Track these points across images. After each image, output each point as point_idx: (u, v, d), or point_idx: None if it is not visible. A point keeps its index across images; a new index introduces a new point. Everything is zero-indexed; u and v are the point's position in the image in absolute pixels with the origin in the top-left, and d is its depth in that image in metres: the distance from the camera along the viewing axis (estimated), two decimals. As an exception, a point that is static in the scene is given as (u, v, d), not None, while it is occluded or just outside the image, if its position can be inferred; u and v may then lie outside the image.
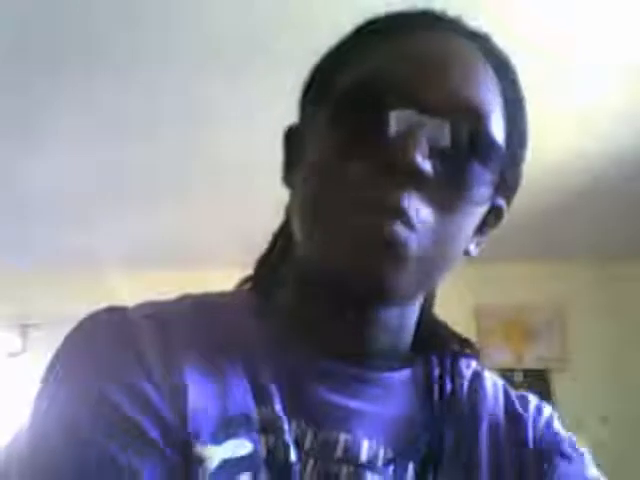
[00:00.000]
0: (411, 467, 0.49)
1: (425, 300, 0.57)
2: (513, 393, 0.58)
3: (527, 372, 3.21)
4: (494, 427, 0.53)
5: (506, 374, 2.98)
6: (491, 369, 0.60)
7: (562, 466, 0.52)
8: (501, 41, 0.54)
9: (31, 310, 3.34)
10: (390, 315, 0.51)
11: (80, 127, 2.20)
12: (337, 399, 0.49)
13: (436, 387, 0.54)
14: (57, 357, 0.47)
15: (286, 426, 0.46)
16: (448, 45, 0.49)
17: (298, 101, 0.56)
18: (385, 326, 0.51)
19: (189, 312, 0.52)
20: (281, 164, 0.57)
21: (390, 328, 0.52)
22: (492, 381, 0.58)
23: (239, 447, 0.44)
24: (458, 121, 0.46)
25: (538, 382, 3.14)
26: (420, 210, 0.45)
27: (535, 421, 0.55)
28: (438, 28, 0.51)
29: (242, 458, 0.44)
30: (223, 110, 2.07)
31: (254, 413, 0.46)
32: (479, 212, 0.50)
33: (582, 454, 0.54)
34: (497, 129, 0.48)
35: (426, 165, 0.44)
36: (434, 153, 0.45)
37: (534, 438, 0.54)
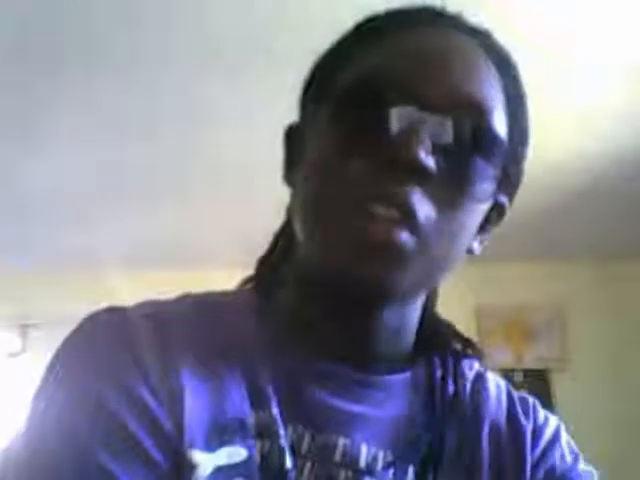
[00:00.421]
0: (411, 470, 0.49)
1: (427, 298, 0.56)
2: (516, 395, 0.57)
3: (527, 372, 3.21)
4: (496, 430, 0.53)
5: (506, 374, 2.98)
6: (491, 369, 0.60)
7: None
8: (502, 39, 0.53)
9: (31, 310, 3.34)
10: (391, 315, 0.50)
11: (80, 127, 2.20)
12: (337, 402, 0.49)
13: (438, 388, 0.54)
14: (56, 358, 0.47)
15: (282, 431, 0.46)
16: (449, 41, 0.49)
17: (298, 99, 0.56)
18: (386, 326, 0.51)
19: (189, 312, 0.51)
20: (282, 163, 0.56)
21: (391, 328, 0.51)
22: (495, 383, 0.58)
23: (233, 454, 0.44)
24: (460, 117, 0.45)
25: (538, 382, 3.14)
26: (423, 207, 0.44)
27: (538, 433, 0.54)
28: (439, 24, 0.51)
29: (236, 465, 0.44)
30: (223, 110, 2.06)
31: (250, 418, 0.46)
32: (482, 209, 0.50)
33: (589, 474, 0.54)
34: (499, 125, 0.48)
35: (429, 161, 0.44)
36: (436, 149, 0.44)
37: (533, 451, 0.53)
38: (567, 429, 0.57)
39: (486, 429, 0.53)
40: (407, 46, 0.48)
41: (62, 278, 3.31)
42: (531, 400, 0.58)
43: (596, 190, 2.56)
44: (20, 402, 0.47)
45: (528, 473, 0.51)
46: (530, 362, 3.24)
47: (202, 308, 0.52)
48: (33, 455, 0.43)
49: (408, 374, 0.53)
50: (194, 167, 2.47)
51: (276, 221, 0.60)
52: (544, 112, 2.01)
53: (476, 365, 0.58)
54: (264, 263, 0.60)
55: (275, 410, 0.46)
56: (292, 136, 0.56)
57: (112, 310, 0.50)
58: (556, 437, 0.55)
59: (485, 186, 0.48)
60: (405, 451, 0.49)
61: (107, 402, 0.43)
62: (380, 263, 0.44)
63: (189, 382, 0.46)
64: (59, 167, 2.46)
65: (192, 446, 0.43)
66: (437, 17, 0.52)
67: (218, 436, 0.44)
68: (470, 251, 0.53)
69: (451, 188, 0.46)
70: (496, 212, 0.54)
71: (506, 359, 3.21)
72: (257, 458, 0.44)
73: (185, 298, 0.54)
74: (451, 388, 0.54)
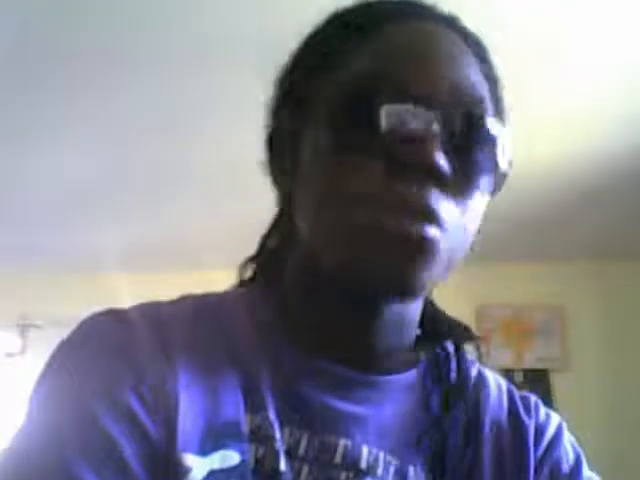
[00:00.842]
0: (412, 470, 0.49)
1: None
2: (517, 395, 0.57)
3: (527, 372, 3.21)
4: (497, 428, 0.53)
5: (506, 374, 2.98)
6: (491, 369, 0.60)
7: None
8: (493, 39, 0.53)
9: (31, 310, 3.34)
10: (394, 311, 0.50)
11: (80, 127, 2.20)
12: (336, 403, 0.49)
13: (438, 385, 0.53)
14: (50, 361, 0.47)
15: (277, 434, 0.45)
16: (436, 35, 0.49)
17: (277, 100, 0.55)
18: (388, 323, 0.50)
19: (187, 314, 0.51)
20: (267, 166, 0.55)
21: (393, 325, 0.51)
22: (496, 382, 0.57)
23: (227, 458, 0.44)
24: (460, 111, 0.46)
25: (538, 382, 3.14)
26: (446, 209, 0.45)
27: (541, 430, 0.54)
28: (418, 16, 0.51)
29: (230, 469, 0.43)
30: (224, 109, 2.06)
31: (245, 421, 0.46)
32: (487, 198, 0.50)
33: (588, 473, 0.54)
34: (491, 113, 0.49)
35: (446, 165, 0.44)
36: (443, 147, 0.45)
37: (536, 449, 0.53)
38: (567, 429, 0.57)
39: (487, 428, 0.52)
40: (397, 43, 0.48)
41: (62, 278, 3.31)
42: (533, 398, 0.57)
43: (596, 191, 2.56)
44: (20, 402, 0.47)
45: (532, 471, 0.51)
46: (530, 362, 3.24)
47: (200, 310, 0.52)
48: (13, 458, 0.42)
49: (409, 373, 0.53)
50: (195, 167, 2.47)
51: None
52: (544, 112, 2.02)
53: (477, 365, 0.58)
54: (258, 262, 0.59)
55: (271, 413, 0.46)
56: (278, 139, 0.55)
57: (110, 313, 0.50)
58: (559, 434, 0.55)
59: (489, 176, 0.48)
60: (406, 452, 0.49)
61: (92, 409, 0.43)
62: (412, 265, 0.44)
63: (185, 385, 0.45)
64: (59, 167, 2.46)
65: (185, 450, 0.43)
66: (414, 8, 0.52)
67: (212, 440, 0.44)
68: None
69: (463, 184, 0.46)
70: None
71: (506, 359, 3.21)
72: (251, 462, 0.44)
73: (184, 300, 0.54)
74: (453, 374, 0.54)
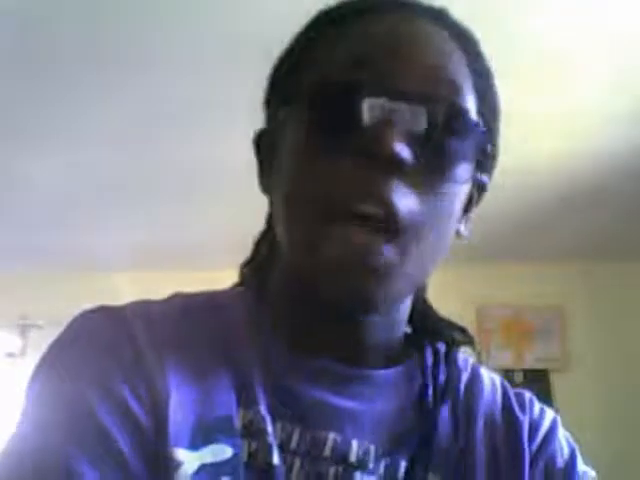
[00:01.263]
0: (403, 464, 0.49)
1: (417, 289, 0.56)
2: (512, 391, 0.57)
3: (527, 372, 3.21)
4: (491, 425, 0.53)
5: (506, 374, 2.98)
6: (491, 369, 0.60)
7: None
8: (495, 37, 0.53)
9: (31, 310, 3.34)
10: (379, 315, 0.50)
11: (80, 127, 2.20)
12: (327, 398, 0.49)
13: (430, 377, 0.53)
14: (43, 358, 0.48)
15: (270, 428, 0.46)
16: (412, 28, 0.49)
17: (263, 102, 0.55)
18: (375, 324, 0.51)
19: (178, 311, 0.52)
20: (256, 171, 0.56)
21: (380, 325, 0.51)
22: (490, 378, 0.57)
23: (219, 452, 0.44)
24: (432, 102, 0.45)
25: (538, 382, 3.14)
26: (405, 201, 0.44)
27: (535, 425, 0.54)
28: (397, 10, 0.50)
29: (221, 463, 0.43)
30: (225, 110, 2.06)
31: (237, 416, 0.46)
32: (464, 191, 0.49)
33: (583, 468, 0.54)
34: (470, 104, 0.48)
35: (405, 153, 0.43)
36: (412, 138, 0.44)
37: (531, 444, 0.53)
38: (567, 429, 0.57)
39: (480, 423, 0.52)
40: (371, 37, 0.48)
41: (63, 278, 3.31)
42: (527, 394, 0.57)
43: (597, 191, 2.56)
44: (20, 402, 0.48)
45: (527, 466, 0.51)
46: (530, 362, 3.24)
47: (191, 307, 0.52)
48: (9, 453, 0.43)
49: (400, 368, 0.53)
50: (195, 168, 2.47)
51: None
52: (543, 112, 2.02)
53: (471, 361, 0.58)
54: (250, 266, 0.60)
55: (263, 407, 0.46)
56: (262, 142, 0.55)
57: (100, 310, 0.50)
58: (553, 429, 0.55)
59: (464, 167, 0.47)
60: (397, 445, 0.49)
61: (88, 404, 0.43)
62: (367, 282, 0.43)
63: (176, 381, 0.46)
64: (59, 167, 2.47)
65: (176, 445, 0.43)
66: (393, 3, 0.51)
67: (203, 435, 0.44)
68: (458, 234, 0.52)
69: (431, 175, 0.45)
70: (477, 191, 0.53)
71: (506, 359, 3.21)
72: (244, 456, 0.44)
73: (174, 297, 0.54)
74: (442, 376, 0.54)
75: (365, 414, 0.50)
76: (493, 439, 0.52)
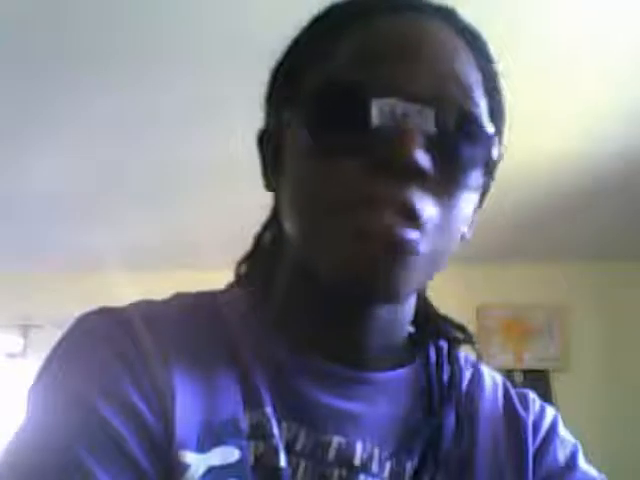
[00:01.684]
0: (408, 466, 0.49)
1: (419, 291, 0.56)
2: (513, 391, 0.57)
3: (527, 372, 3.21)
4: (493, 424, 0.53)
5: (506, 374, 2.98)
6: (491, 369, 0.60)
7: (565, 476, 0.52)
8: (498, 37, 0.53)
9: (33, 311, 3.34)
10: (384, 312, 0.50)
11: (80, 127, 2.20)
12: (331, 400, 0.48)
13: (434, 376, 0.53)
14: (47, 361, 0.47)
15: (275, 430, 0.45)
16: (422, 28, 0.48)
17: (265, 101, 0.55)
18: (379, 323, 0.50)
19: (181, 312, 0.51)
20: (260, 168, 0.55)
21: (384, 324, 0.51)
22: (491, 377, 0.57)
23: (226, 455, 0.44)
24: (444, 106, 0.44)
25: (538, 382, 3.14)
26: (426, 207, 0.43)
27: (537, 423, 0.54)
28: (406, 9, 0.49)
29: (229, 465, 0.43)
30: (225, 109, 2.06)
31: (243, 418, 0.45)
32: (476, 196, 0.49)
33: (584, 465, 0.54)
34: (482, 108, 0.47)
35: (426, 162, 0.43)
36: (426, 143, 0.43)
37: (534, 441, 0.53)
38: (567, 429, 0.57)
39: (483, 422, 0.52)
40: (380, 36, 0.47)
41: (63, 279, 3.31)
42: (529, 394, 0.57)
43: (596, 191, 2.56)
44: (22, 402, 0.47)
45: (530, 464, 0.51)
46: (530, 362, 3.24)
47: (193, 307, 0.52)
48: (18, 456, 0.42)
49: (404, 370, 0.53)
50: (195, 167, 2.47)
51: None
52: (543, 113, 2.02)
53: (472, 361, 0.58)
54: (252, 264, 0.59)
55: (269, 409, 0.46)
56: (267, 140, 0.54)
57: (103, 311, 0.50)
58: (555, 427, 0.55)
59: (476, 173, 0.47)
60: (402, 448, 0.49)
61: (95, 405, 0.42)
62: (390, 267, 0.43)
63: (181, 383, 0.45)
64: (59, 167, 2.47)
65: (184, 447, 0.43)
66: (408, 2, 0.50)
67: (210, 437, 0.44)
68: (462, 237, 0.52)
69: (446, 181, 0.45)
70: (481, 194, 0.53)
71: (506, 359, 3.21)
72: (250, 458, 0.44)
73: (176, 298, 0.54)
74: (446, 375, 0.54)
75: (370, 417, 0.49)
76: (495, 438, 0.52)
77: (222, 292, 0.56)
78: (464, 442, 0.51)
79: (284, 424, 0.47)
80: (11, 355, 3.44)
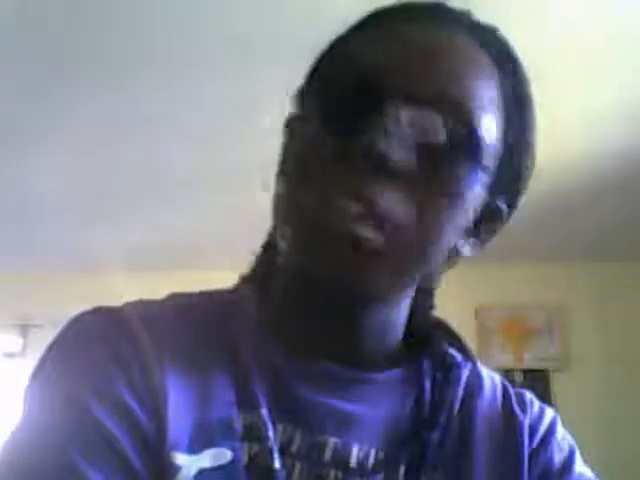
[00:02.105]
0: (402, 468, 0.48)
1: (417, 297, 0.55)
2: (512, 391, 0.57)
3: (527, 372, 3.21)
4: (490, 425, 0.53)
5: (506, 374, 2.98)
6: (491, 369, 0.60)
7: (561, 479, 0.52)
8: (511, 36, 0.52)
9: (32, 310, 3.34)
10: (374, 314, 0.50)
11: (81, 128, 2.20)
12: (327, 401, 0.48)
13: (427, 383, 0.53)
14: (41, 361, 0.47)
15: (270, 432, 0.45)
16: (442, 37, 0.47)
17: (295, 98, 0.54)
18: (370, 324, 0.50)
19: (176, 312, 0.51)
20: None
21: (376, 328, 0.51)
22: (490, 378, 0.57)
23: (218, 456, 0.43)
24: (446, 117, 0.44)
25: (538, 382, 3.14)
26: (396, 205, 0.43)
27: (534, 425, 0.54)
28: (439, 20, 0.49)
29: (221, 467, 0.43)
30: (224, 110, 2.06)
31: (237, 419, 0.45)
32: (467, 210, 0.48)
33: (581, 468, 0.54)
34: (489, 126, 0.46)
35: (404, 163, 0.43)
36: (421, 148, 0.43)
37: (531, 442, 0.53)
38: (567, 429, 0.57)
39: (480, 423, 0.52)
40: (395, 41, 0.47)
41: (63, 278, 3.31)
42: (527, 394, 0.57)
43: (597, 191, 2.56)
44: (20, 403, 0.48)
45: (526, 466, 0.51)
46: (530, 362, 3.24)
47: (189, 308, 0.52)
48: (14, 456, 0.42)
49: (399, 371, 0.53)
50: (195, 167, 2.47)
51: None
52: (543, 112, 2.02)
53: (470, 361, 0.57)
54: (250, 266, 0.59)
55: (264, 410, 0.46)
56: (285, 135, 0.54)
57: (97, 311, 0.50)
58: (552, 429, 0.55)
59: (470, 188, 0.46)
60: (397, 449, 0.49)
61: (89, 406, 0.42)
62: (346, 263, 0.43)
63: (175, 384, 0.45)
64: (60, 168, 2.47)
65: (175, 448, 0.43)
66: (440, 12, 0.50)
67: (202, 438, 0.44)
68: (457, 252, 0.51)
69: (431, 187, 0.45)
70: (491, 216, 0.52)
71: (506, 359, 3.21)
72: (244, 460, 0.44)
73: (172, 298, 0.54)
74: (441, 374, 0.54)
75: (366, 417, 0.49)
76: (493, 439, 0.52)
77: (219, 292, 0.56)
78: (460, 442, 0.51)
79: (279, 425, 0.47)
80: (10, 355, 3.43)
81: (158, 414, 0.44)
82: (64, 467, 0.40)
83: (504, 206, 0.53)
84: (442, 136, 0.44)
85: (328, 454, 0.47)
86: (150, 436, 0.43)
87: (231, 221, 2.84)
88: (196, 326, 0.50)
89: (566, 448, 0.54)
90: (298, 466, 0.46)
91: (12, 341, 3.44)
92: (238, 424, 0.45)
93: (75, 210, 2.83)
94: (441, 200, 0.45)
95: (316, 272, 0.44)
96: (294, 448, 0.46)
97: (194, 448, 0.43)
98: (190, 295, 0.55)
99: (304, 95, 0.52)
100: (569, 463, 0.53)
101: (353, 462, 0.47)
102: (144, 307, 0.51)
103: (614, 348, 3.17)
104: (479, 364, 0.58)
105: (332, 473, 0.46)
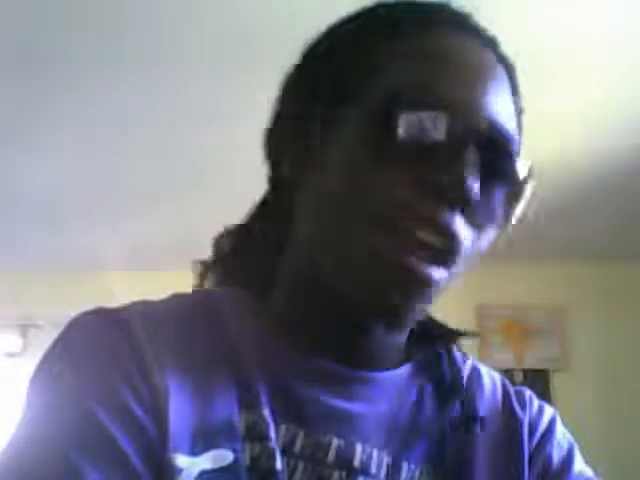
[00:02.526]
0: (405, 468, 0.48)
1: None
2: (512, 389, 0.57)
3: (527, 372, 3.21)
4: (491, 424, 0.53)
5: (506, 374, 2.97)
6: (491, 369, 0.60)
7: (560, 477, 0.52)
8: (508, 33, 0.53)
9: (32, 310, 3.34)
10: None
11: (80, 127, 2.20)
12: (331, 400, 0.48)
13: (428, 381, 0.53)
14: (42, 362, 0.47)
15: (272, 432, 0.45)
16: (479, 56, 0.48)
17: (302, 89, 0.52)
18: (380, 334, 0.50)
19: (176, 312, 0.51)
20: (271, 164, 0.54)
21: (384, 335, 0.51)
22: (490, 376, 0.57)
23: (219, 458, 0.43)
24: (495, 142, 0.46)
25: (538, 382, 3.13)
26: (465, 234, 0.45)
27: (534, 423, 0.54)
28: (455, 26, 0.49)
29: (222, 469, 0.43)
30: (227, 109, 2.06)
31: (238, 420, 0.45)
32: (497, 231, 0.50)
33: (580, 466, 0.54)
34: (518, 143, 0.49)
35: (476, 189, 0.43)
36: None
37: (530, 441, 0.53)
38: (567, 429, 0.57)
39: (480, 422, 0.52)
40: (438, 55, 0.47)
41: (63, 278, 3.31)
42: (527, 392, 0.57)
43: (597, 191, 2.56)
44: (20, 403, 0.47)
45: (526, 464, 0.51)
46: (530, 362, 3.24)
47: (190, 308, 0.52)
48: (10, 455, 0.42)
49: (402, 370, 0.53)
50: (195, 167, 2.47)
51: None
52: (544, 112, 2.02)
53: (470, 360, 0.58)
54: (248, 263, 0.58)
55: (266, 410, 0.46)
56: (293, 135, 0.52)
57: (98, 311, 0.49)
58: (552, 427, 0.55)
59: (503, 209, 0.48)
60: (401, 449, 0.49)
61: (90, 408, 0.42)
62: (412, 297, 0.44)
63: (176, 385, 0.45)
64: (59, 167, 2.46)
65: (176, 450, 0.42)
66: (452, 16, 0.50)
67: (204, 440, 0.44)
68: None
69: (482, 214, 0.46)
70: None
71: (506, 359, 3.21)
72: (245, 461, 0.44)
73: (173, 298, 0.54)
74: (445, 376, 0.54)
75: (369, 417, 0.49)
76: (493, 438, 0.52)
77: (218, 292, 0.56)
78: (461, 440, 0.51)
79: (282, 426, 0.46)
80: (10, 355, 3.43)
81: (160, 415, 0.43)
82: (66, 467, 0.40)
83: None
84: (499, 170, 0.46)
85: (332, 454, 0.47)
86: (152, 437, 0.43)
87: (231, 222, 2.84)
88: (198, 326, 0.50)
89: (565, 446, 0.54)
90: (301, 466, 0.46)
91: (12, 341, 3.43)
92: (240, 425, 0.45)
93: (75, 210, 2.83)
94: (487, 226, 0.47)
95: (363, 298, 0.45)
96: (297, 448, 0.46)
97: (195, 450, 0.43)
98: (191, 295, 0.55)
99: (334, 101, 0.49)
100: (568, 461, 0.53)
101: (357, 462, 0.47)
102: (145, 307, 0.51)
103: (614, 348, 3.16)
104: (479, 363, 0.58)
105: (335, 473, 0.46)
